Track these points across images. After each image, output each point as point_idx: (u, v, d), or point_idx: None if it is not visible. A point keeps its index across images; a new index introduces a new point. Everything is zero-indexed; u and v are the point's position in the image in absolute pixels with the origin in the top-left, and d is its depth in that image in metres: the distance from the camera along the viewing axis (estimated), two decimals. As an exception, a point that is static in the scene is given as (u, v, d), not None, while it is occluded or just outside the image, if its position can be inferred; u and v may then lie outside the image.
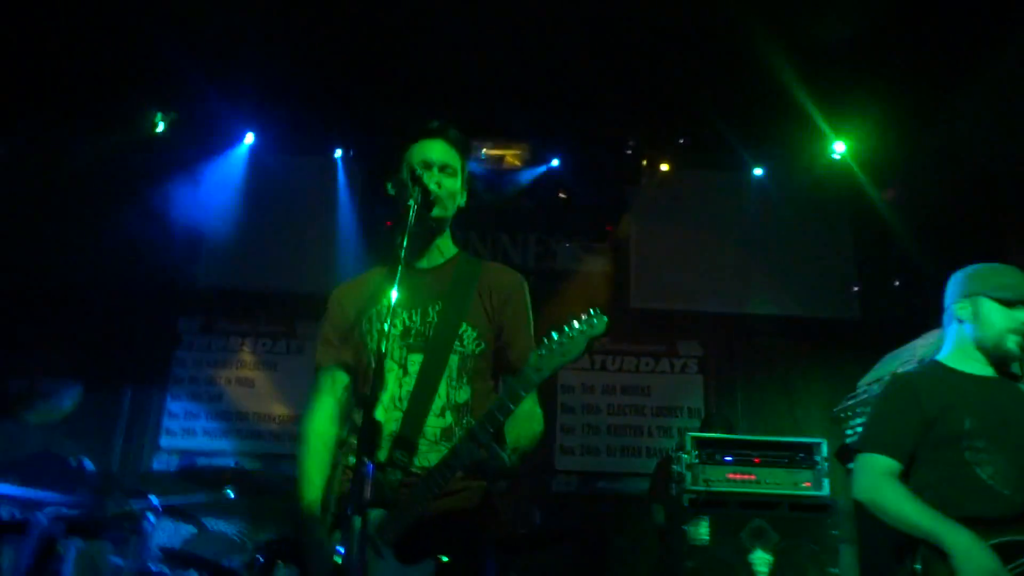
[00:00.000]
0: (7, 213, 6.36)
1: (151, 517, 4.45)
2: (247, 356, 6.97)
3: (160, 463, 6.67)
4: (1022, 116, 5.55)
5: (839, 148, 6.83)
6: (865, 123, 6.53)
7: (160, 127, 6.82)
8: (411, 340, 2.37)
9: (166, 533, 5.39)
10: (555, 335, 2.13)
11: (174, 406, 6.81)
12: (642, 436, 6.86)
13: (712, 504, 4.45)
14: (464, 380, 2.36)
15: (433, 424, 2.30)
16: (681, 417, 6.88)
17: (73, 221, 6.77)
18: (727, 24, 5.71)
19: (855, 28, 5.52)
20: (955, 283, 2.89)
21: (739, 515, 4.40)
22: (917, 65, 5.82)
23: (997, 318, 2.72)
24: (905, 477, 2.66)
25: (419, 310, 2.41)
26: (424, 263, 2.51)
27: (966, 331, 2.79)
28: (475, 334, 2.40)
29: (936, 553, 2.44)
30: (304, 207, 7.24)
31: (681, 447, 4.70)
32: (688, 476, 4.52)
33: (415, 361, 2.35)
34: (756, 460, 4.59)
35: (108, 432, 6.56)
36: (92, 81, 6.25)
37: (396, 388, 2.33)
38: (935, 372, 2.80)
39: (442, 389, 2.33)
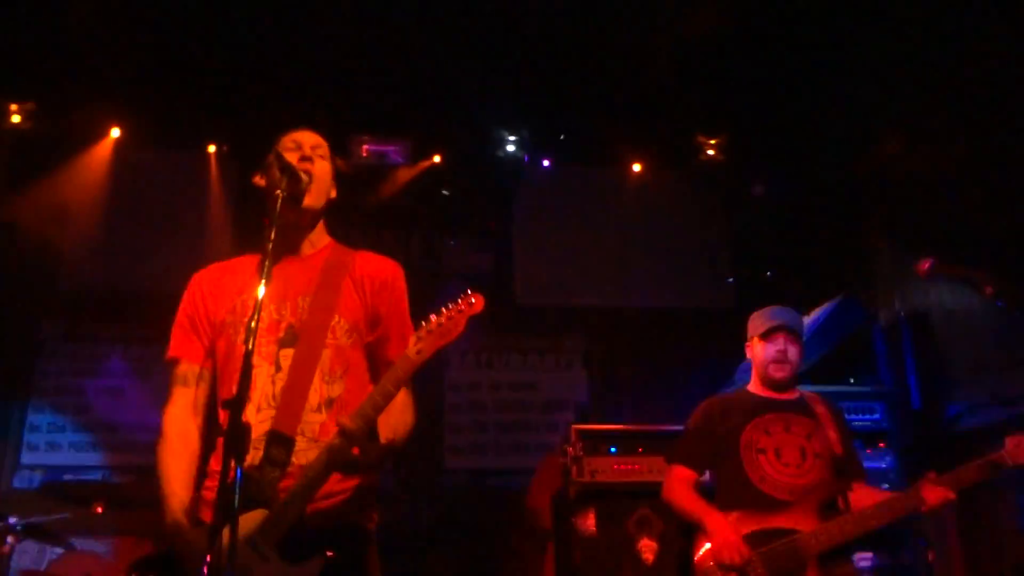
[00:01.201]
0: None
1: (8, 539, 4.19)
2: (117, 363, 6.60)
3: (21, 481, 6.21)
4: (881, 111, 5.88)
5: (712, 143, 7.07)
6: (738, 117, 6.78)
7: (16, 118, 6.37)
8: (282, 335, 2.29)
9: (29, 556, 5.07)
10: (433, 316, 2.13)
11: (36, 419, 6.36)
12: (530, 431, 6.91)
13: (599, 495, 4.51)
14: (338, 374, 2.30)
15: (310, 421, 2.23)
16: (567, 411, 6.96)
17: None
18: (606, 18, 5.81)
19: (727, 24, 5.71)
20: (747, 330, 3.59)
21: (625, 504, 4.48)
22: (784, 60, 6.08)
23: (761, 354, 3.45)
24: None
25: (289, 303, 2.32)
26: (294, 255, 2.43)
27: (754, 368, 3.52)
28: (347, 326, 2.33)
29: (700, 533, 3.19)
30: (176, 204, 6.91)
31: (566, 440, 4.75)
32: (574, 468, 4.58)
33: (288, 356, 2.26)
34: (640, 449, 4.68)
35: (-38, 449, 6.13)
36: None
37: (269, 386, 2.24)
38: (737, 396, 3.53)
39: (316, 384, 2.26)
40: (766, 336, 3.43)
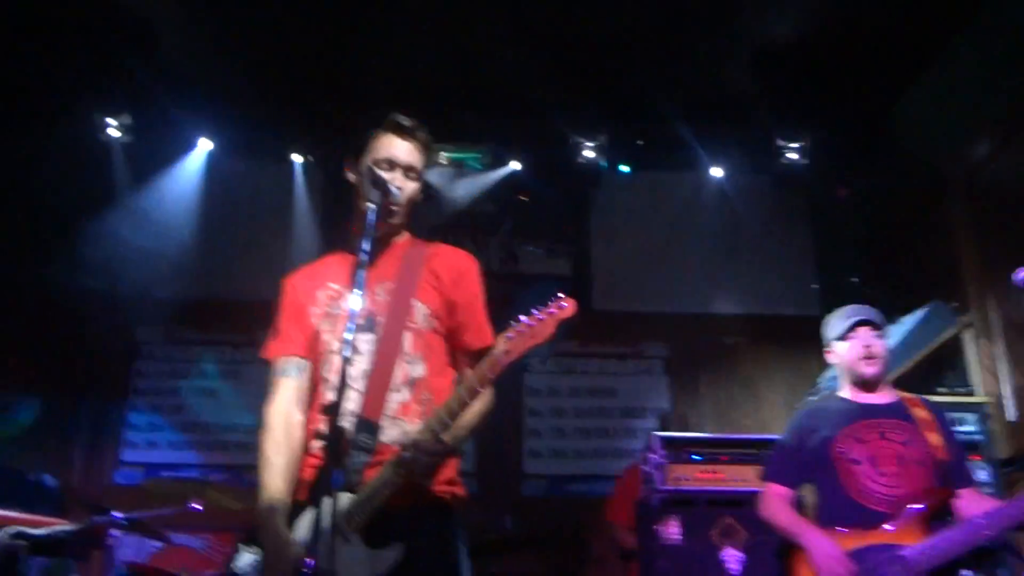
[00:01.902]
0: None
1: (114, 533, 4.38)
2: (209, 366, 6.86)
3: (123, 477, 6.54)
4: (971, 116, 5.69)
5: (794, 147, 6.94)
6: (821, 123, 6.64)
7: (115, 132, 6.67)
8: (361, 321, 2.33)
9: (131, 548, 5.30)
10: (523, 318, 2.14)
11: (136, 418, 6.68)
12: (609, 437, 6.90)
13: (682, 503, 4.48)
14: (418, 355, 2.36)
15: (392, 400, 2.29)
16: (647, 418, 6.92)
17: (27, 231, 6.63)
18: (685, 25, 5.78)
19: (810, 29, 5.62)
20: (822, 337, 3.46)
21: (709, 513, 4.43)
22: (869, 63, 5.95)
23: (846, 355, 3.28)
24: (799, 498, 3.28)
25: (368, 291, 2.37)
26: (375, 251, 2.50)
27: (839, 372, 3.39)
28: (427, 310, 2.39)
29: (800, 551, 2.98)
30: (263, 214, 7.15)
31: (649, 448, 4.74)
32: (657, 476, 4.56)
33: (366, 340, 2.33)
34: (724, 458, 4.63)
35: (68, 446, 6.43)
36: (42, 83, 6.13)
37: (350, 369, 2.27)
38: (827, 403, 3.37)
39: (399, 364, 2.32)
40: (847, 335, 3.26)
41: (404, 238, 2.56)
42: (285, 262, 6.89)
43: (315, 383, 2.43)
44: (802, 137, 6.86)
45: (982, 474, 4.70)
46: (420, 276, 2.43)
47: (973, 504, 2.99)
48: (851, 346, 3.25)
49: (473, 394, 2.14)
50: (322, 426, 2.01)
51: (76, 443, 6.49)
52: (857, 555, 2.85)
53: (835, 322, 3.36)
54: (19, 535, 4.23)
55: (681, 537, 4.37)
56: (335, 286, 2.46)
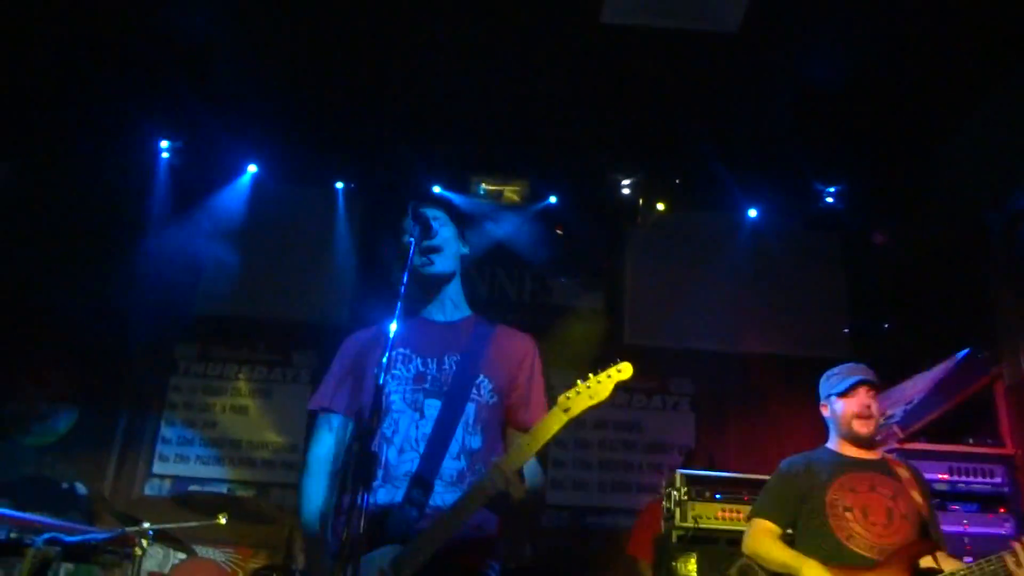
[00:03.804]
0: (7, 235, 6.43)
1: (142, 543, 4.48)
2: (242, 384, 6.99)
3: (153, 488, 6.66)
4: (1012, 164, 5.66)
5: (831, 190, 6.96)
6: (857, 166, 6.65)
7: (165, 155, 6.90)
8: (427, 385, 2.46)
9: (156, 559, 5.40)
10: (580, 381, 2.27)
11: (168, 432, 6.81)
12: (633, 472, 6.89)
13: (700, 541, 4.47)
14: (479, 428, 2.45)
15: (449, 467, 2.38)
16: (672, 454, 6.91)
17: (73, 245, 6.83)
18: (722, 66, 5.84)
19: (851, 73, 5.65)
20: (819, 389, 3.61)
21: (727, 552, 4.41)
22: (908, 108, 5.95)
23: (842, 411, 3.45)
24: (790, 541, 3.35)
25: (435, 359, 2.50)
26: (439, 316, 2.63)
27: (832, 427, 3.53)
28: (491, 386, 2.49)
29: None
30: (303, 237, 7.31)
31: (671, 484, 4.74)
32: (677, 512, 4.56)
33: (432, 406, 2.43)
34: (746, 498, 4.62)
35: (102, 456, 6.57)
36: (98, 106, 6.35)
37: (412, 430, 2.41)
38: (820, 455, 3.49)
39: (458, 434, 2.41)
40: (847, 392, 3.45)
41: (468, 314, 2.67)
42: (322, 285, 7.03)
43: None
44: (840, 181, 6.89)
45: (1007, 526, 4.63)
46: (487, 353, 2.53)
47: (947, 565, 3.19)
48: (849, 403, 3.44)
49: (533, 448, 2.24)
50: (354, 448, 2.08)
51: (110, 453, 6.63)
52: None
53: (836, 378, 3.53)
54: (53, 541, 4.35)
55: (697, 574, 4.35)
56: (404, 350, 2.53)
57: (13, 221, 6.53)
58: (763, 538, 3.35)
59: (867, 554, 3.14)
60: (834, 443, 3.51)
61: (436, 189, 6.72)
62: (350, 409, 2.54)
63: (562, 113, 6.37)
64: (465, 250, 2.68)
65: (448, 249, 2.60)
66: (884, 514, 3.22)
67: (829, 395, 3.53)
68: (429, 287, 2.60)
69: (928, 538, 3.25)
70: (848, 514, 3.23)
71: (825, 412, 3.56)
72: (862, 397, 3.43)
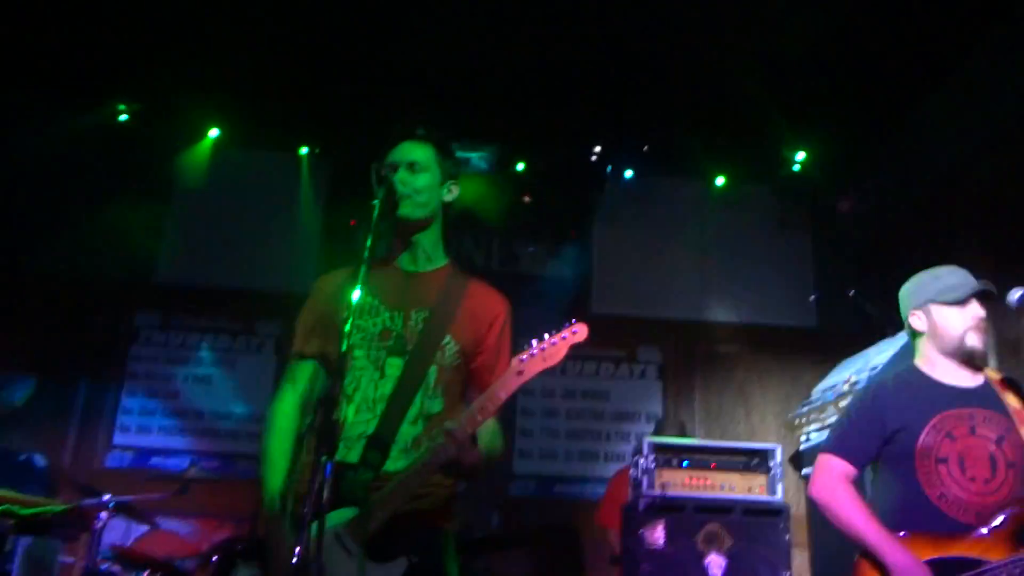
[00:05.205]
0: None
1: (102, 515, 4.40)
2: (205, 353, 6.88)
3: (114, 460, 6.55)
4: (979, 129, 5.69)
5: (798, 158, 6.97)
6: (824, 133, 6.65)
7: (123, 117, 6.72)
8: (391, 343, 2.36)
9: (118, 532, 5.32)
10: (535, 342, 2.19)
11: (129, 403, 6.68)
12: (600, 441, 6.91)
13: (668, 508, 4.49)
14: (439, 391, 2.37)
15: (406, 432, 2.30)
16: (639, 422, 6.94)
17: (29, 211, 6.66)
18: (691, 34, 5.79)
19: (814, 39, 5.62)
20: (905, 296, 2.96)
21: (695, 519, 4.45)
22: (875, 74, 5.95)
23: (952, 322, 2.81)
24: (862, 484, 2.77)
25: (402, 313, 2.40)
26: (411, 266, 2.51)
27: (927, 341, 2.86)
28: (456, 348, 2.41)
29: (877, 566, 2.56)
30: (267, 204, 7.17)
31: (638, 451, 4.75)
32: (645, 480, 4.58)
33: (394, 365, 2.35)
34: (712, 465, 4.66)
35: (61, 428, 6.43)
36: (53, 67, 6.16)
37: (371, 390, 2.32)
38: (909, 380, 2.85)
39: (418, 398, 2.33)
40: (963, 301, 2.80)
41: (443, 264, 2.57)
42: (286, 253, 6.92)
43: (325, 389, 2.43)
44: (806, 148, 6.90)
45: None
46: (456, 312, 2.44)
47: None
48: (964, 314, 2.80)
49: (486, 411, 2.17)
50: (318, 417, 1.96)
51: (69, 424, 6.51)
52: (934, 566, 2.50)
53: (946, 281, 2.87)
54: (7, 513, 4.26)
55: (665, 542, 4.38)
56: (372, 300, 2.42)
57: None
58: (837, 486, 2.74)
59: (962, 518, 2.60)
60: (927, 363, 2.86)
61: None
62: (322, 356, 2.44)
63: (531, 79, 6.29)
64: (449, 197, 2.56)
65: (423, 196, 2.47)
66: (987, 465, 2.65)
67: (929, 304, 2.85)
68: (402, 233, 2.48)
69: None
70: (942, 467, 2.65)
71: (917, 323, 2.88)
72: (976, 308, 2.81)
